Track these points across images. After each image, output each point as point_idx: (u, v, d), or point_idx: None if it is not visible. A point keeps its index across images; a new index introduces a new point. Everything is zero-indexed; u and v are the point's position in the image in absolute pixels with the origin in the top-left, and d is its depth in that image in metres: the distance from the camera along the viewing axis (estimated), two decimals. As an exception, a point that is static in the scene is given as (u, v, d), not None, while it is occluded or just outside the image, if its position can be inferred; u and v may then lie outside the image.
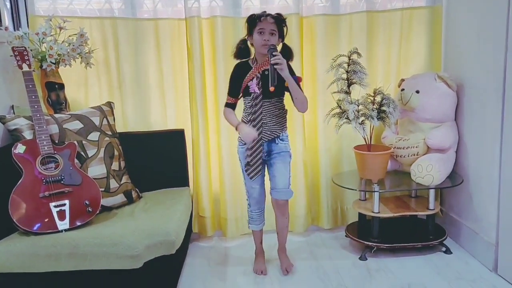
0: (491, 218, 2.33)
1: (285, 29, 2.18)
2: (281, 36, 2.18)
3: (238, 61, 2.26)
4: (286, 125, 2.29)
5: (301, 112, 2.28)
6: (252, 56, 2.24)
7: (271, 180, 2.31)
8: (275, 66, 2.04)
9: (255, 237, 2.48)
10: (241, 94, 2.25)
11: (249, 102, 2.21)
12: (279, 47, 2.18)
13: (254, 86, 2.17)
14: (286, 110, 2.29)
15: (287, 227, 2.41)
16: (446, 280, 2.27)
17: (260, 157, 2.21)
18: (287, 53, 2.20)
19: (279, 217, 2.36)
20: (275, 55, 2.04)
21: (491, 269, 2.33)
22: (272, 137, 2.23)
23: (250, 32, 2.17)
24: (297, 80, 2.15)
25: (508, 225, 2.22)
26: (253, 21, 2.13)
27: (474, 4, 2.43)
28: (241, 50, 2.22)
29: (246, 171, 2.26)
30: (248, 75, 2.19)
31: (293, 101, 2.19)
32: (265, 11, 2.16)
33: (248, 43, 2.22)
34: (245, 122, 2.22)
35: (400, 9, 2.73)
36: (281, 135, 2.25)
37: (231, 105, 2.26)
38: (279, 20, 2.14)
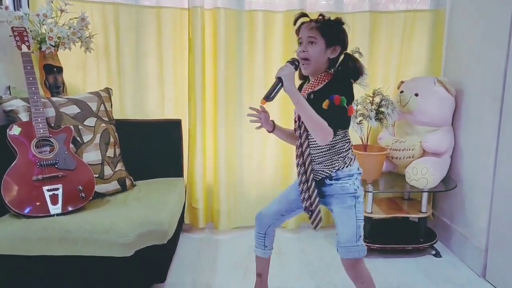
0: (482, 224, 2.35)
1: (341, 32, 1.66)
2: (333, 43, 1.63)
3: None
4: (341, 162, 1.69)
5: (320, 144, 1.66)
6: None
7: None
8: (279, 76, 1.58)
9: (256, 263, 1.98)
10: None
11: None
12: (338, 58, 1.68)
13: (297, 116, 1.69)
14: (344, 146, 1.70)
15: None
16: (434, 283, 2.28)
17: (317, 196, 1.71)
18: (349, 68, 1.64)
19: (354, 283, 1.80)
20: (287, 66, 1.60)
21: (480, 274, 2.35)
22: (319, 178, 1.73)
23: None
24: (333, 99, 1.56)
25: (498, 232, 2.24)
26: (297, 33, 1.69)
27: (478, 10, 2.43)
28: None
29: (309, 218, 1.77)
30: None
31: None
32: (302, 13, 1.70)
33: None
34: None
35: (403, 11, 2.73)
36: (333, 175, 1.70)
37: None
38: (321, 23, 1.63)
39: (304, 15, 1.70)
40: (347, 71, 1.64)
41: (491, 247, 2.29)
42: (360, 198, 1.71)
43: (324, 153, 1.69)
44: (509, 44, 2.14)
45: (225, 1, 2.62)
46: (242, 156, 2.80)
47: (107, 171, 2.23)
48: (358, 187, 1.72)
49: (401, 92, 2.64)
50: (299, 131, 1.70)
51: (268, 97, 1.56)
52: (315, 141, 1.66)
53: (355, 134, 2.52)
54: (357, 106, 2.48)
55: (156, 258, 1.96)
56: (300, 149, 1.71)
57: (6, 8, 2.26)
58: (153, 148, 2.54)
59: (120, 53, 2.63)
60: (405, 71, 2.81)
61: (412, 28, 2.76)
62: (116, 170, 2.28)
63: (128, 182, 2.33)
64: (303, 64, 1.65)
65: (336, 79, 1.65)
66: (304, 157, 1.71)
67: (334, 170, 1.70)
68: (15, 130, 1.96)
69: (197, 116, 2.66)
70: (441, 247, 2.65)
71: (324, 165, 1.70)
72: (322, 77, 1.66)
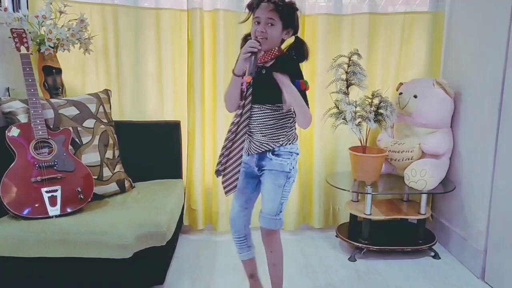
0: (480, 225, 2.35)
1: (295, 16, 1.72)
2: (288, 26, 1.71)
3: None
4: (285, 138, 1.78)
5: (301, 127, 1.77)
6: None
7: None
8: (248, 52, 1.63)
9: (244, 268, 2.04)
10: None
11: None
12: (288, 41, 1.77)
13: (244, 84, 1.74)
14: (289, 121, 1.79)
15: (276, 266, 1.90)
16: (433, 284, 2.28)
17: (237, 166, 1.79)
18: (299, 50, 1.75)
19: (265, 249, 1.90)
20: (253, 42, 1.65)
21: (479, 276, 2.35)
22: (262, 150, 1.78)
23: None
24: (300, 85, 1.67)
25: (497, 233, 2.24)
26: (250, 8, 1.73)
27: (477, 12, 2.44)
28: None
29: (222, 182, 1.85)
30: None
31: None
32: None
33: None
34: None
35: (402, 13, 2.74)
36: (275, 149, 1.77)
37: None
38: (281, 6, 1.67)
39: None
40: (301, 54, 1.75)
41: (490, 249, 2.29)
42: (291, 179, 1.80)
43: (270, 126, 1.76)
44: (508, 45, 2.15)
45: (224, 2, 2.62)
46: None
47: (106, 172, 2.23)
48: (293, 167, 1.80)
49: (400, 93, 2.64)
50: (243, 102, 1.75)
51: (253, 73, 1.65)
52: (262, 114, 1.75)
53: (354, 136, 2.52)
54: (356, 107, 2.48)
55: (155, 260, 1.96)
56: (238, 118, 1.76)
57: (5, 9, 2.26)
58: (152, 150, 2.54)
59: (119, 54, 2.63)
60: (404, 73, 2.81)
61: (411, 30, 2.77)
62: (115, 171, 2.28)
63: (127, 184, 2.32)
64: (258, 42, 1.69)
65: (289, 60, 1.74)
66: (239, 128, 1.77)
67: (277, 145, 1.77)
68: (14, 132, 1.96)
69: (196, 117, 2.66)
70: (440, 249, 2.65)
71: (269, 138, 1.77)
72: (271, 52, 1.73)
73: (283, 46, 1.77)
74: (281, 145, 1.77)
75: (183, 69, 2.69)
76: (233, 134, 1.79)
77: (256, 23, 1.69)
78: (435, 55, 2.78)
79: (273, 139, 1.77)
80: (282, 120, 1.77)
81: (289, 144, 1.79)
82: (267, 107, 1.74)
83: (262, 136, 1.77)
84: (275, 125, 1.77)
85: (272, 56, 1.73)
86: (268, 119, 1.76)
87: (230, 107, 1.82)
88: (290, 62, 1.73)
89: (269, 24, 1.67)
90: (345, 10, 2.71)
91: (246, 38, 1.79)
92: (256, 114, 1.76)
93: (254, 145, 1.79)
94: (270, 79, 1.67)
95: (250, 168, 1.84)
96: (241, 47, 1.72)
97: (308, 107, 1.71)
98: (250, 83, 1.73)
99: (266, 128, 1.76)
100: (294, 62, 1.74)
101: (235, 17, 2.62)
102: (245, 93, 1.74)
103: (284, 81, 1.64)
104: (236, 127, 1.78)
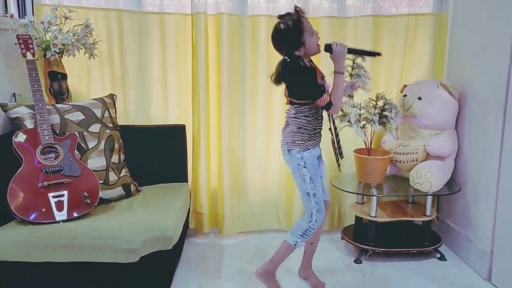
0: (487, 227, 2.34)
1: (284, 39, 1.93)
2: (292, 48, 1.94)
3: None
4: None
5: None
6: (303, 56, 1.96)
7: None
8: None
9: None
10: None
11: (314, 107, 1.98)
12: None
13: (327, 85, 1.99)
14: None
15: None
16: (439, 286, 2.28)
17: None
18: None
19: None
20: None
21: (485, 277, 2.34)
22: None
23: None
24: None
25: (503, 234, 2.23)
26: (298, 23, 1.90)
27: (480, 13, 2.44)
28: None
29: (338, 165, 2.25)
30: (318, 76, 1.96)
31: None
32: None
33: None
34: (313, 130, 2.02)
35: (406, 15, 2.74)
36: None
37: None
38: (274, 44, 1.98)
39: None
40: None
41: (496, 250, 2.29)
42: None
43: None
44: (512, 47, 2.15)
45: (228, 6, 2.63)
46: (246, 161, 2.80)
47: (112, 177, 2.24)
48: None
49: (404, 95, 2.64)
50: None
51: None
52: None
53: (359, 138, 2.52)
54: (360, 110, 2.49)
55: (161, 264, 1.97)
56: (319, 120, 2.04)
57: (11, 16, 2.28)
58: (157, 154, 2.55)
59: (124, 59, 2.65)
60: (408, 75, 2.81)
61: (415, 32, 2.77)
62: (120, 176, 2.29)
63: (133, 188, 2.33)
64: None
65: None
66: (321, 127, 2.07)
67: None
68: (20, 137, 1.97)
69: (201, 121, 2.67)
70: (446, 251, 2.64)
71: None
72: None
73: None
74: None
75: (188, 73, 2.70)
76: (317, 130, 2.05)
77: (317, 35, 2.01)
78: (439, 56, 2.78)
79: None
80: None
81: None
82: None
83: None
84: None
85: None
86: None
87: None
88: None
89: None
90: (348, 13, 2.72)
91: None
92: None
93: (320, 139, 2.08)
94: None
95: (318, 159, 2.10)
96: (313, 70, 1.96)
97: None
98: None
99: None
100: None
101: (239, 21, 2.63)
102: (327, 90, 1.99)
103: (340, 78, 1.99)
104: (318, 122, 2.04)
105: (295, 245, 2.07)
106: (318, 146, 2.08)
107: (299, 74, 1.94)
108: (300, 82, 1.95)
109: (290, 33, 1.89)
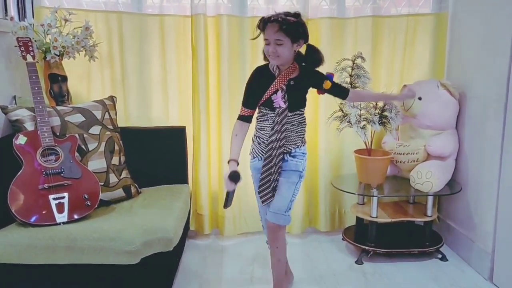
0: (488, 227, 2.34)
1: (301, 29, 1.80)
2: (297, 39, 1.80)
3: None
4: (302, 140, 1.95)
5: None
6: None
7: None
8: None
9: None
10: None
11: (269, 117, 1.89)
12: (302, 49, 1.88)
13: (279, 100, 1.84)
14: (305, 124, 1.97)
15: (280, 261, 2.02)
16: (441, 287, 2.28)
17: (274, 179, 1.91)
18: (314, 57, 1.88)
19: (271, 245, 2.02)
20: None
21: (487, 278, 2.33)
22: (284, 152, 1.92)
23: None
24: (332, 77, 1.94)
25: (504, 234, 2.23)
26: (259, 29, 1.83)
27: (480, 13, 2.44)
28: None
29: (259, 193, 1.98)
30: (271, 86, 1.85)
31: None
32: (270, 16, 1.79)
33: None
34: (259, 139, 1.96)
35: (405, 15, 2.74)
36: (292, 151, 1.92)
37: (246, 118, 1.91)
38: (285, 25, 1.74)
39: (266, 19, 1.80)
40: (314, 62, 1.89)
41: (497, 250, 2.28)
42: (302, 179, 1.95)
43: (296, 132, 1.92)
44: (512, 46, 2.15)
45: (227, 8, 2.64)
46: (246, 162, 2.79)
47: (112, 179, 2.24)
48: (304, 168, 1.96)
49: (405, 96, 2.64)
50: (280, 116, 1.86)
51: (227, 205, 1.92)
52: (289, 121, 1.88)
53: (359, 138, 2.52)
54: (360, 110, 2.49)
55: (162, 265, 1.96)
56: (278, 134, 1.88)
57: (11, 19, 2.29)
58: (158, 155, 2.55)
59: (124, 61, 2.65)
60: (408, 75, 2.81)
61: (415, 32, 2.77)
62: (121, 177, 2.29)
63: (133, 190, 2.33)
64: (273, 58, 1.81)
65: (310, 69, 1.91)
66: (281, 134, 1.88)
67: (295, 147, 1.92)
68: (21, 140, 1.97)
69: (201, 122, 2.67)
70: (447, 251, 2.64)
71: (288, 141, 1.91)
72: (293, 65, 1.87)
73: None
74: (297, 146, 1.93)
75: (188, 74, 2.70)
76: (276, 142, 1.90)
77: (266, 43, 1.81)
78: (439, 56, 2.78)
79: (291, 142, 1.92)
80: (302, 124, 1.94)
81: (303, 145, 1.95)
82: (298, 112, 1.91)
83: (286, 140, 1.90)
84: (298, 129, 1.93)
85: (295, 70, 1.88)
86: (296, 123, 1.92)
87: None
88: (309, 70, 1.91)
89: (278, 44, 1.77)
90: (348, 13, 2.72)
91: (257, 70, 1.93)
92: (289, 121, 1.90)
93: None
94: (300, 87, 1.88)
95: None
96: (252, 76, 1.92)
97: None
98: (285, 96, 1.85)
99: (293, 132, 1.92)
100: (312, 69, 1.91)
101: (238, 22, 2.63)
102: (282, 107, 1.86)
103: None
104: (276, 135, 1.88)
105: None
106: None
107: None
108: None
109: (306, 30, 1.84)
